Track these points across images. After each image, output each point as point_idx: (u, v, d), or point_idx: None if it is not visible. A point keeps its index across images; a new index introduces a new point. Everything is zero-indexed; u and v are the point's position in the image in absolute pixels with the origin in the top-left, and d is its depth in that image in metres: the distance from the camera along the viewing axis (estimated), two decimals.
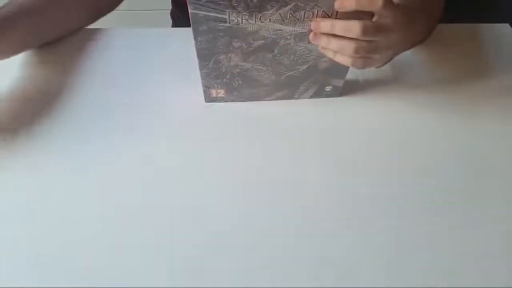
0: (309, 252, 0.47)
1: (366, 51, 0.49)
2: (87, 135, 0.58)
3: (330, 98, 0.62)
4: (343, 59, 0.51)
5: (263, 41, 0.51)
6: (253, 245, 0.48)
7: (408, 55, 0.67)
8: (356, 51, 0.49)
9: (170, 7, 0.94)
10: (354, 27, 0.47)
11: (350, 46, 0.48)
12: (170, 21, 0.97)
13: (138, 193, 0.52)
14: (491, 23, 0.75)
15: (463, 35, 0.73)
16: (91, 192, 0.52)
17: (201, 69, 0.55)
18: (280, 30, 0.50)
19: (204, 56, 0.53)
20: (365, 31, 0.47)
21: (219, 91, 0.59)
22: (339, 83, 0.60)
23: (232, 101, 0.61)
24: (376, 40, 0.49)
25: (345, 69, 0.57)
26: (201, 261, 0.46)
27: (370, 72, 0.65)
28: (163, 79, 0.65)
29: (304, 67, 0.55)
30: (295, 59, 0.54)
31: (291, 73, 0.56)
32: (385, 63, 0.55)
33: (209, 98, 0.61)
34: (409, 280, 0.45)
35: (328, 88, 0.60)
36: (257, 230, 0.49)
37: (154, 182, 0.53)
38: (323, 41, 0.50)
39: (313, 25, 0.49)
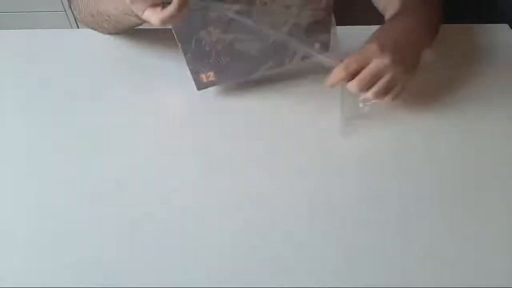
0: (309, 252, 0.47)
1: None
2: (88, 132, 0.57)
3: (330, 99, 0.62)
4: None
5: (238, 6, 0.50)
6: (252, 245, 0.48)
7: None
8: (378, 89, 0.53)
9: None
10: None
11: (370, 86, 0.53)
12: None
13: (137, 193, 0.52)
14: (490, 23, 0.75)
15: (462, 35, 0.73)
16: (89, 191, 0.52)
17: (185, 54, 0.54)
18: None
19: (184, 37, 0.52)
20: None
21: (208, 74, 0.58)
22: (327, 38, 0.59)
23: (224, 82, 0.60)
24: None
25: (329, 22, 0.57)
26: (201, 261, 0.46)
27: None
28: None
29: (287, 27, 0.55)
30: (276, 19, 0.53)
31: (275, 37, 0.55)
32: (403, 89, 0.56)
33: (200, 85, 0.59)
34: (410, 280, 0.45)
35: (317, 45, 0.59)
36: (256, 230, 0.49)
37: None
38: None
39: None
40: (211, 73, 0.58)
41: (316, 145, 0.57)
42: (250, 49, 0.56)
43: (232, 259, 0.47)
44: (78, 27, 1.66)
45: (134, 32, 0.71)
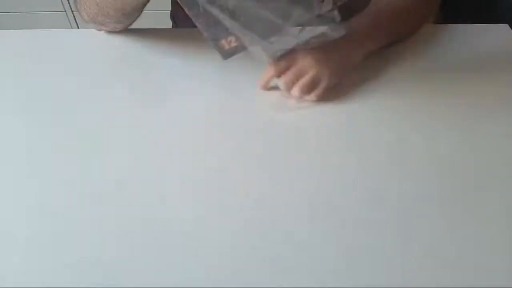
0: (309, 252, 0.47)
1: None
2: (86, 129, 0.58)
3: (329, 100, 0.62)
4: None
5: None
6: (252, 245, 0.48)
7: (407, 55, 0.67)
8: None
9: (170, 8, 0.94)
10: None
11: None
12: (169, 21, 0.96)
13: (137, 193, 0.52)
14: (490, 23, 0.75)
15: (462, 36, 0.73)
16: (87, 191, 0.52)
17: (196, 21, 0.48)
18: None
19: (190, 1, 0.46)
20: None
21: (229, 39, 0.51)
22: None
23: (252, 45, 0.52)
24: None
25: None
26: (201, 261, 0.46)
27: (369, 73, 0.65)
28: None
29: None
30: None
31: None
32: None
33: (225, 54, 0.53)
34: (410, 280, 0.45)
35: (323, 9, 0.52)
36: (256, 230, 0.49)
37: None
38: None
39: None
40: (232, 38, 0.51)
41: (316, 145, 0.57)
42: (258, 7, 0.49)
43: (232, 259, 0.47)
44: (78, 27, 1.66)
45: (134, 31, 0.71)
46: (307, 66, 0.58)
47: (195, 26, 0.51)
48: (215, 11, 0.48)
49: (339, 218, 0.50)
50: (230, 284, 0.45)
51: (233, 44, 0.52)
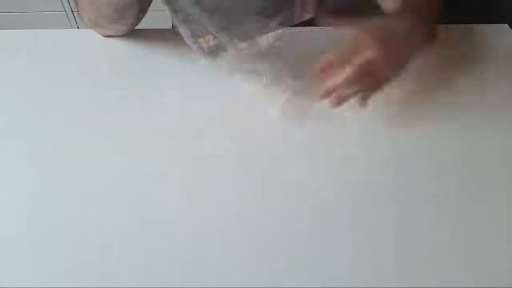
0: (309, 252, 0.47)
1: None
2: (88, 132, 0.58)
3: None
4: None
5: None
6: (252, 245, 0.48)
7: None
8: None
9: None
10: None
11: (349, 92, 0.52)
12: (169, 21, 0.96)
13: (137, 193, 0.52)
14: (490, 24, 0.75)
15: (462, 36, 0.73)
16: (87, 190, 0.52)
17: (175, 17, 0.46)
18: None
19: None
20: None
21: (207, 38, 0.49)
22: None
23: (231, 44, 0.50)
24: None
25: None
26: (200, 261, 0.46)
27: None
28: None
29: None
30: None
31: None
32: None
33: (207, 54, 0.50)
34: (409, 280, 0.45)
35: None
36: (256, 229, 0.49)
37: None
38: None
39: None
40: (209, 37, 0.49)
41: (316, 146, 0.57)
42: (235, 4, 0.47)
43: (231, 259, 0.47)
44: (78, 27, 1.66)
45: (134, 31, 0.71)
46: (377, 60, 0.49)
47: None
48: (194, 9, 0.45)
49: (339, 218, 0.50)
50: (230, 284, 0.45)
51: (212, 43, 0.50)
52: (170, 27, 0.95)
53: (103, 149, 0.56)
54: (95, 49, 0.70)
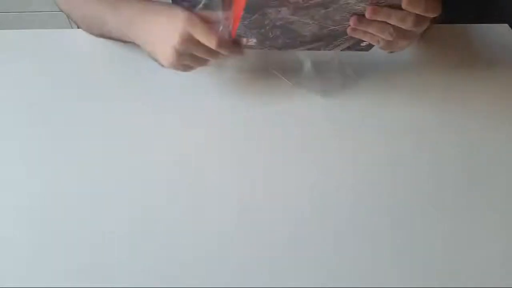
0: (309, 252, 0.47)
1: (401, 37, 0.51)
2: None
3: (327, 100, 0.62)
4: (374, 40, 0.53)
5: None
6: (252, 245, 0.48)
7: (406, 55, 0.67)
8: (392, 35, 0.51)
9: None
10: (408, 19, 0.49)
11: (389, 30, 0.50)
12: None
13: (137, 193, 0.52)
14: (490, 24, 0.75)
15: (462, 36, 0.73)
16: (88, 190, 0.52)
17: (243, 21, 0.51)
18: None
19: (252, 8, 0.49)
20: (419, 25, 0.49)
21: (250, 40, 0.55)
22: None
23: (261, 49, 0.57)
24: (414, 30, 0.50)
25: None
26: (200, 261, 0.46)
27: (369, 73, 0.65)
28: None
29: (347, 21, 0.52)
30: (347, 16, 0.51)
31: (335, 27, 0.53)
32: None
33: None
34: (409, 280, 0.45)
35: (363, 44, 0.57)
36: (256, 230, 0.49)
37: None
38: (363, 24, 0.51)
39: (371, 10, 0.49)
40: (253, 40, 0.55)
41: (315, 146, 0.57)
42: (304, 31, 0.53)
43: (231, 259, 0.47)
44: (78, 27, 1.66)
45: None
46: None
47: None
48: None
49: (338, 218, 0.50)
50: (230, 284, 0.45)
51: (250, 43, 0.55)
52: None
53: (103, 149, 0.56)
54: (95, 49, 0.70)
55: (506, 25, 0.75)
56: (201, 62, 0.56)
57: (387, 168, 0.55)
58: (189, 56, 0.54)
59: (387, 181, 0.53)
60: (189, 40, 0.52)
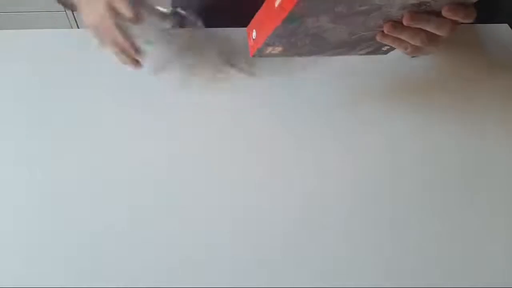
0: (308, 252, 0.47)
1: (431, 43, 0.50)
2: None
3: (329, 99, 0.62)
4: (402, 46, 0.51)
5: (367, 7, 0.45)
6: (251, 245, 0.48)
7: (405, 57, 0.67)
8: (424, 42, 0.49)
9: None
10: (446, 26, 0.48)
11: (422, 37, 0.49)
12: None
13: (137, 193, 0.52)
14: (490, 24, 0.75)
15: (462, 35, 0.73)
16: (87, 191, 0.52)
17: (274, 31, 0.49)
18: None
19: (292, 18, 0.46)
20: (452, 30, 0.48)
21: (276, 48, 0.52)
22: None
23: (286, 56, 0.55)
24: (446, 36, 0.49)
25: None
26: (200, 261, 0.46)
27: (369, 72, 0.65)
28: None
29: (381, 29, 0.50)
30: (380, 22, 0.49)
31: (365, 33, 0.51)
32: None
33: (260, 54, 0.54)
34: (409, 280, 0.45)
35: (385, 48, 0.56)
36: (256, 230, 0.49)
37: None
38: (397, 30, 0.49)
39: (410, 17, 0.47)
40: (280, 48, 0.53)
41: (314, 145, 0.57)
42: (333, 38, 0.52)
43: (230, 259, 0.47)
44: (78, 27, 1.66)
45: None
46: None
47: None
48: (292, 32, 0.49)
49: (338, 218, 0.50)
50: (230, 284, 0.45)
51: (275, 52, 0.53)
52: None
53: (101, 148, 0.56)
54: (95, 49, 0.70)
55: (506, 25, 0.75)
56: (115, 36, 0.56)
57: (387, 169, 0.55)
58: (108, 27, 0.55)
59: (387, 183, 0.53)
60: (112, 7, 0.53)
